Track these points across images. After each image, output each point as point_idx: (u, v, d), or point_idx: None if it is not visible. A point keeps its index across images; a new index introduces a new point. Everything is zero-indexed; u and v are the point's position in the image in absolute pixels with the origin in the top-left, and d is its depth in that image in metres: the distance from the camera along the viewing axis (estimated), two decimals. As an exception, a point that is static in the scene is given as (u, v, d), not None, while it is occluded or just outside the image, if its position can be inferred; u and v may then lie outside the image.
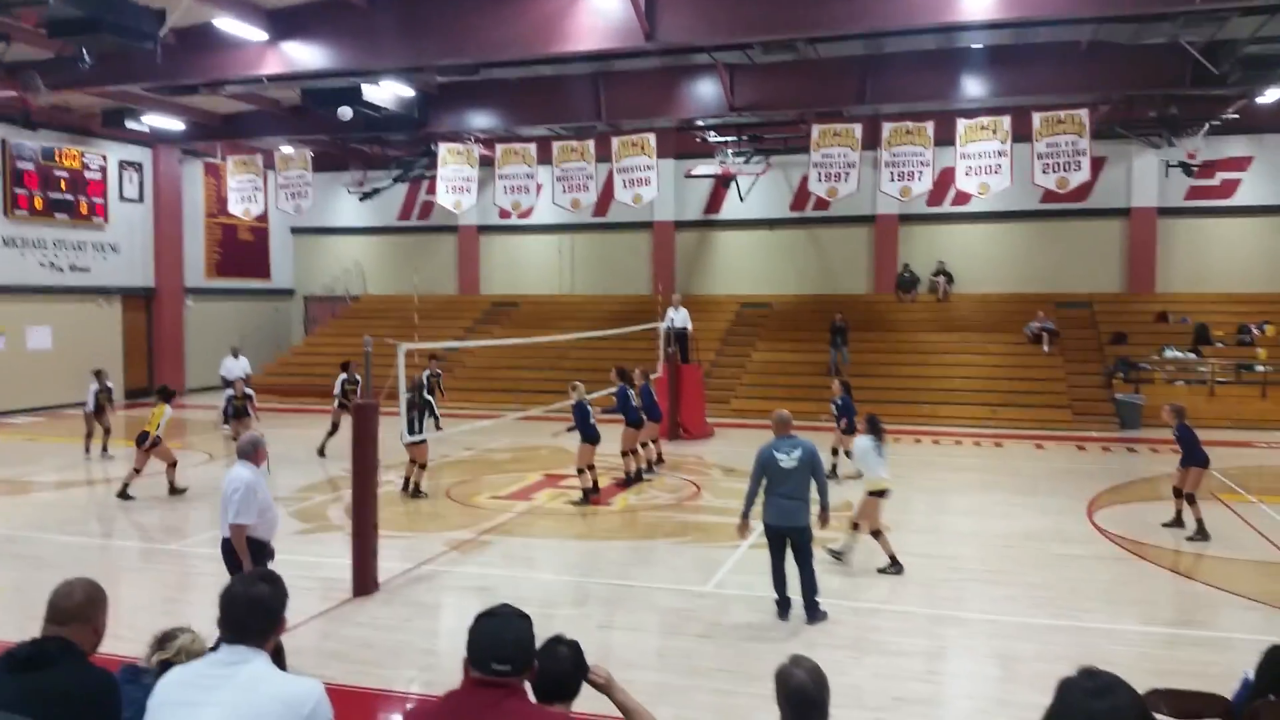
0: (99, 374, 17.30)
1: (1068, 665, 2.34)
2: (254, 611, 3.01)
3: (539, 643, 3.35)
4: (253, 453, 7.03)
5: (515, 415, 17.27)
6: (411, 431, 12.52)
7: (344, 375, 16.99)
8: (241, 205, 24.48)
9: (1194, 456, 11.33)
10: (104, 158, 25.14)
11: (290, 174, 23.45)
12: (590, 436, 13.30)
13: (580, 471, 13.33)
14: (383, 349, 12.10)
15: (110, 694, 3.31)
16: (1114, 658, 7.08)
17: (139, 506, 13.10)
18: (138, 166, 26.27)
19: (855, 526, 10.09)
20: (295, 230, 31.46)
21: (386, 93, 20.57)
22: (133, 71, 18.49)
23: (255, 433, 7.29)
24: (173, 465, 13.75)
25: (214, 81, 19.41)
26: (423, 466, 13.54)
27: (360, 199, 28.63)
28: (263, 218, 27.82)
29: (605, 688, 3.57)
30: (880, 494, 9.91)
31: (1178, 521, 11.53)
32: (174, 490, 13.62)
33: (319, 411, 22.78)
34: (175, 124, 24.30)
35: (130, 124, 23.30)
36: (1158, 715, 4.51)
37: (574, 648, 3.51)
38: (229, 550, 6.86)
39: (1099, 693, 2.22)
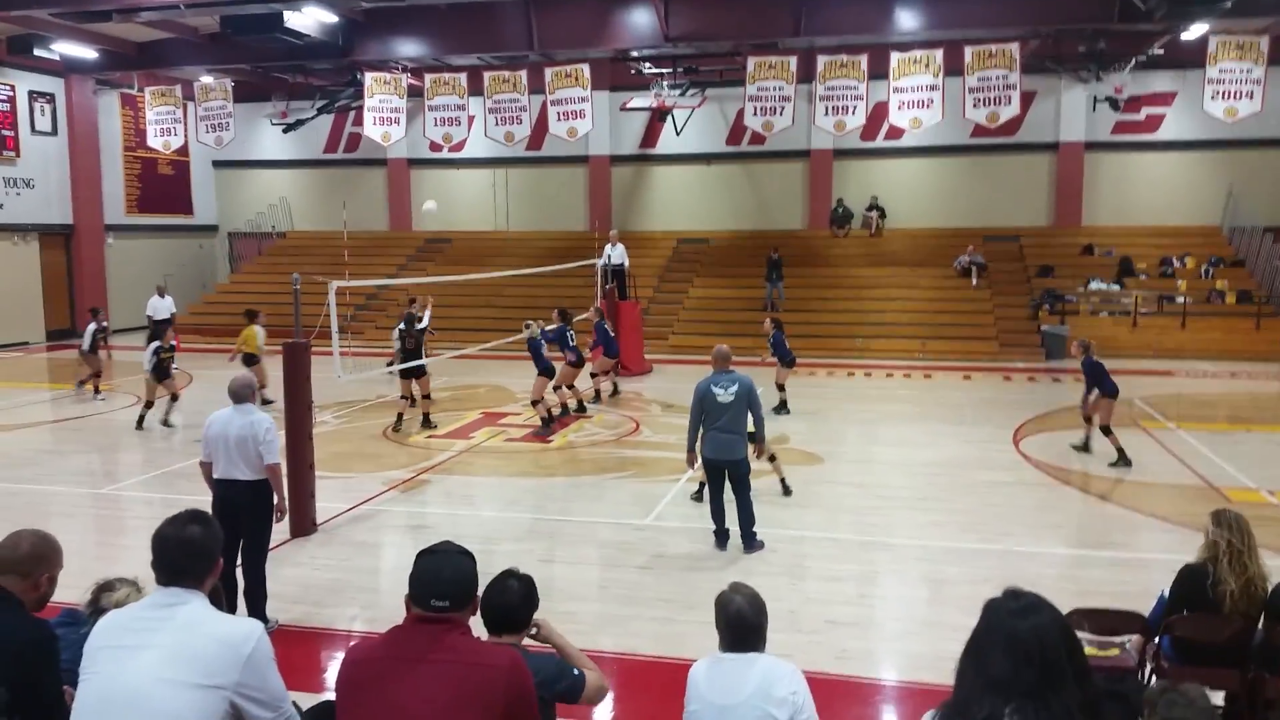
0: (95, 313, 16.68)
1: (993, 587, 2.42)
2: (187, 553, 2.97)
3: (492, 578, 3.42)
4: (250, 396, 7.00)
5: (451, 354, 17.12)
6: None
7: (406, 318, 16.52)
8: (161, 138, 23.66)
9: (1103, 387, 11.66)
10: (12, 88, 23.96)
11: (210, 105, 22.66)
12: (544, 370, 13.75)
13: (534, 403, 13.77)
14: (313, 286, 11.85)
15: (43, 644, 3.25)
16: (1038, 579, 7.34)
17: (73, 451, 12.85)
18: (49, 98, 25.11)
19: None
20: (217, 164, 30.45)
21: (309, 19, 19.87)
22: (39, -4, 17.61)
23: (248, 374, 7.17)
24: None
25: (127, 8, 18.56)
26: (407, 399, 13.97)
27: (284, 131, 27.77)
28: (183, 151, 26.89)
29: (543, 638, 3.67)
30: None
31: (1086, 447, 11.98)
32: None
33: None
34: (88, 53, 23.23)
35: (39, 52, 22.23)
36: (1079, 633, 4.71)
37: (525, 581, 3.58)
38: (246, 493, 6.72)
39: (1023, 612, 2.29)
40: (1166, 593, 5.00)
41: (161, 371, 14.20)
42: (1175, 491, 10.47)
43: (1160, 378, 18.46)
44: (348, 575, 8.08)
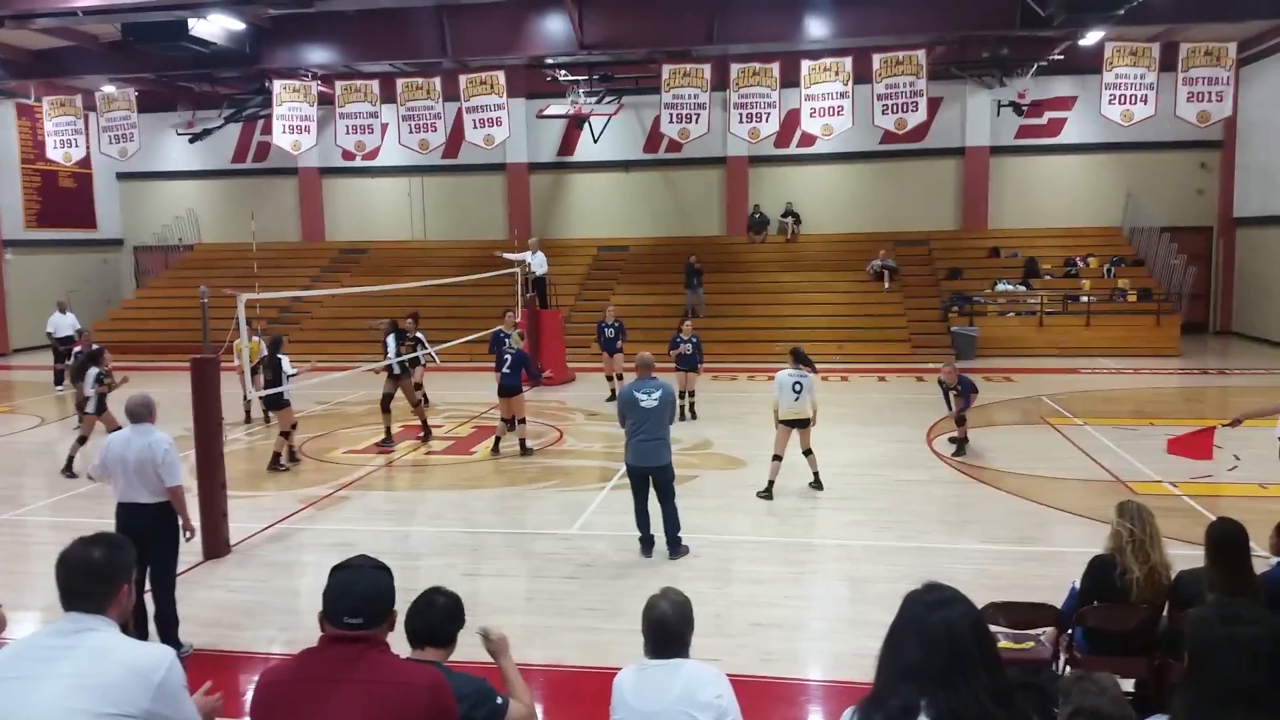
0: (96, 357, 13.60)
1: (912, 584, 2.46)
2: (87, 575, 2.87)
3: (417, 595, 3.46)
4: (148, 415, 6.72)
5: (368, 367, 16.82)
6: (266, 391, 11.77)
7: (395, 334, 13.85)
8: (61, 150, 22.82)
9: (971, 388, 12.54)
10: (-104, 98, 22.93)
11: (113, 115, 21.93)
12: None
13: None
14: (221, 300, 11.56)
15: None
16: (955, 575, 7.47)
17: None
18: (-63, 108, 24.08)
19: (808, 453, 10.63)
20: (121, 176, 29.50)
21: (215, 27, 19.36)
22: (-76, 2, 16.85)
23: (145, 393, 6.86)
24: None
25: (21, 14, 17.82)
26: (285, 434, 12.25)
27: (190, 141, 27.05)
28: (85, 163, 25.96)
29: (494, 652, 3.62)
30: (785, 424, 10.48)
31: (961, 449, 12.33)
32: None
33: (153, 369, 21.62)
34: (-22, 61, 22.31)
35: (-74, 60, 21.27)
36: (995, 627, 4.83)
37: (452, 598, 3.55)
38: (148, 516, 6.50)
39: (936, 604, 2.34)
40: (1078, 584, 5.16)
41: (101, 406, 12.29)
42: (1084, 486, 10.81)
43: (1066, 375, 19.07)
44: (264, 596, 7.87)
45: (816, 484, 10.65)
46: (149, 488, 6.53)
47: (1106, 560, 5.03)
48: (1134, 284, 23.25)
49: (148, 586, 6.60)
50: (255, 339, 14.13)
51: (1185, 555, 5.27)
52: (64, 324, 19.26)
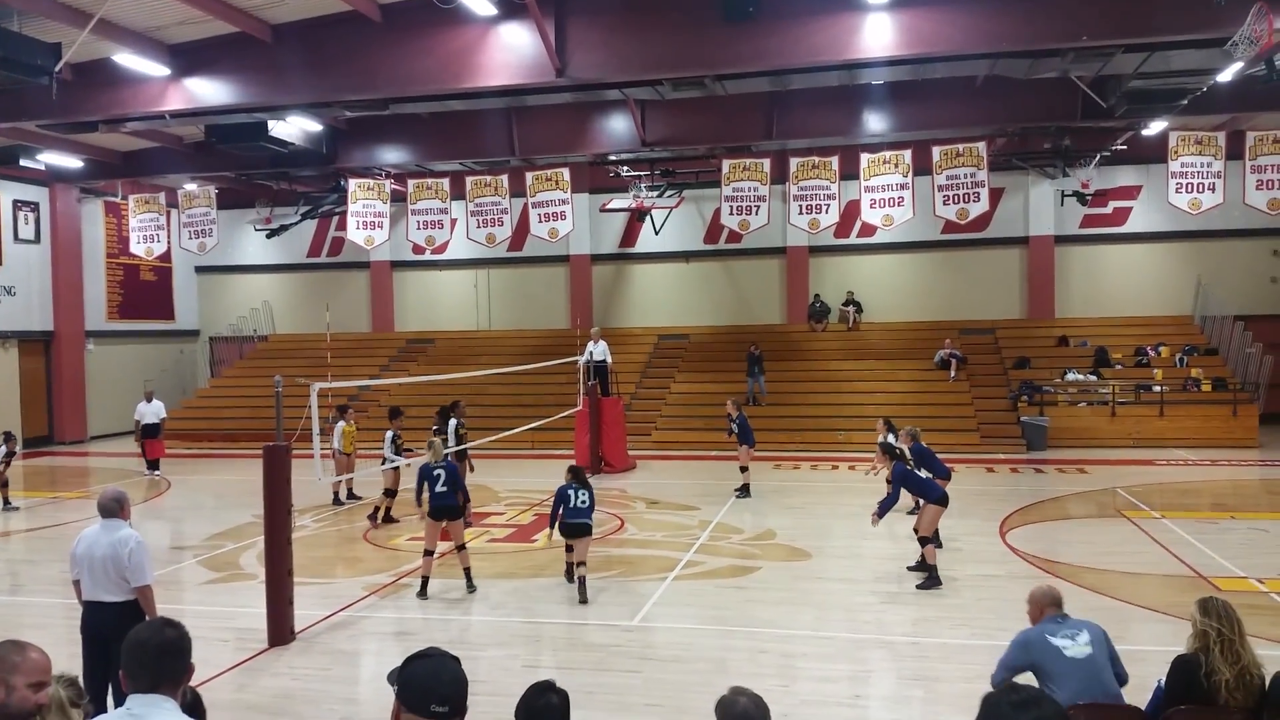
0: (8, 436, 16.47)
1: (988, 684, 2.39)
2: (162, 658, 2.91)
3: (529, 689, 3.41)
4: (119, 510, 6.39)
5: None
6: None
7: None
8: (144, 245, 23.83)
9: (935, 469, 11.98)
10: (-4, 197, 24.21)
11: (194, 212, 22.91)
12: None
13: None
14: (294, 389, 11.82)
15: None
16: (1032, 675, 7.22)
17: (47, 560, 12.57)
18: (33, 206, 25.33)
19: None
20: (200, 269, 30.65)
21: (294, 128, 20.29)
22: (27, 108, 17.90)
23: (118, 488, 6.65)
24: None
25: (114, 118, 18.87)
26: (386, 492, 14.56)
27: (267, 236, 28.05)
28: (166, 257, 27.02)
29: None
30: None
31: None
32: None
33: (226, 456, 22.13)
34: (73, 162, 23.55)
35: (25, 162, 22.47)
36: (1077, 729, 4.62)
37: (564, 698, 3.43)
38: (113, 616, 6.10)
39: (1024, 705, 2.27)
40: (1163, 683, 4.94)
41: None
42: (1164, 581, 10.41)
43: (1141, 467, 18.54)
44: (328, 685, 7.87)
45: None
46: (114, 586, 6.20)
47: (1190, 660, 4.80)
48: (1208, 373, 22.67)
49: (109, 692, 5.97)
50: (351, 424, 16.36)
51: (1273, 656, 5.02)
52: (149, 411, 19.81)
